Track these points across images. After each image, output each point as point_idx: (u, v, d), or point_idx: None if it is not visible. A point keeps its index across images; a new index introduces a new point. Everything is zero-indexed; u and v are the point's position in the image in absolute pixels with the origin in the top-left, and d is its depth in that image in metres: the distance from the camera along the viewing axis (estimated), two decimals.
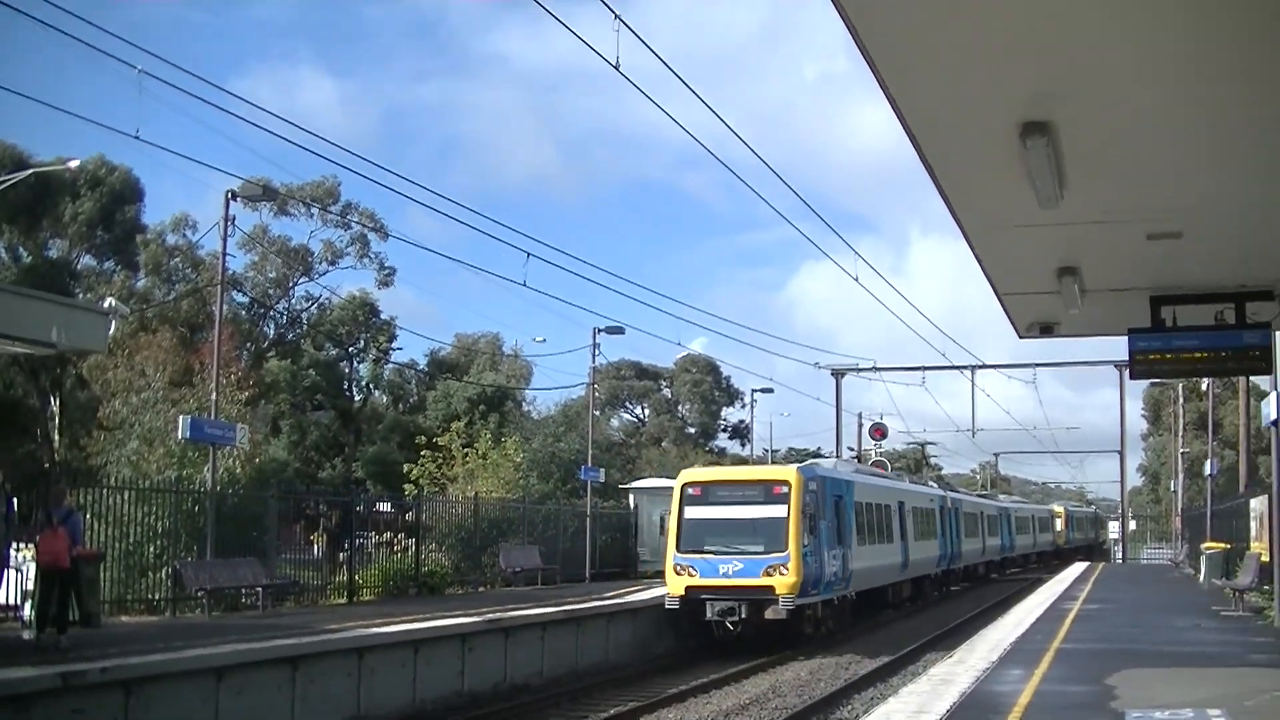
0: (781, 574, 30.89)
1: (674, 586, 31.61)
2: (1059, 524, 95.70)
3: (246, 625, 22.74)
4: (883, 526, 41.92)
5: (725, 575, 31.30)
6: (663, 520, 42.05)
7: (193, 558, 27.49)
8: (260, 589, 27.68)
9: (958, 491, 67.02)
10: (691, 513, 32.88)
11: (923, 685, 16.66)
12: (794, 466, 36.92)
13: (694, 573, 31.51)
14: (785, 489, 32.24)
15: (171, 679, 16.93)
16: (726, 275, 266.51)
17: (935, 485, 60.04)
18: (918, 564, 46.18)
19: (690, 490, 33.46)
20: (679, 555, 31.94)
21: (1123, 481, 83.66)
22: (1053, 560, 79.18)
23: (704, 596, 31.15)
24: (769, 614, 30.73)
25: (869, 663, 29.16)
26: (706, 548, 31.91)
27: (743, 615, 30.86)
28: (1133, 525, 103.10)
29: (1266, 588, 26.92)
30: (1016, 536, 75.35)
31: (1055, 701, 14.64)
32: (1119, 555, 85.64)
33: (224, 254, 34.99)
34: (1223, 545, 39.64)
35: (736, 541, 32.18)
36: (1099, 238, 12.83)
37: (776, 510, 31.94)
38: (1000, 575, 69.02)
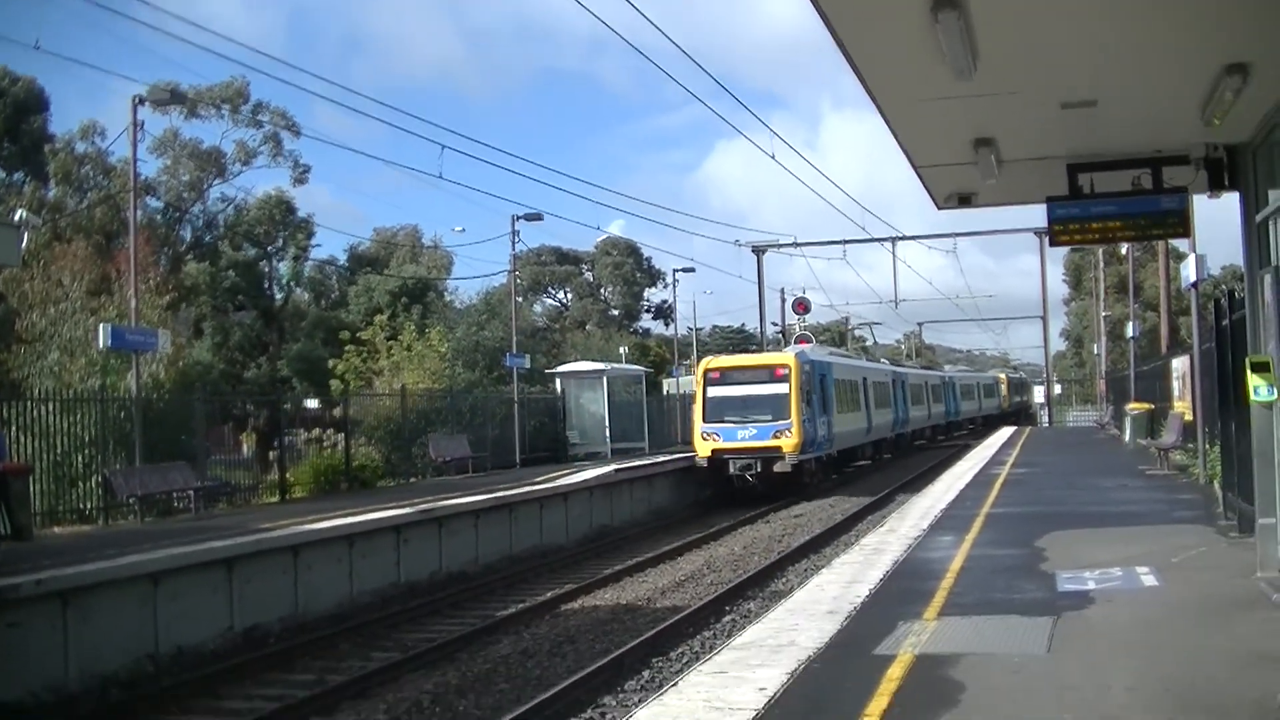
0: (786, 437, 39.88)
1: (702, 450, 40.87)
2: (1004, 389, 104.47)
3: (180, 529, 22.69)
4: (853, 399, 51.25)
5: (742, 439, 40.13)
6: (585, 405, 48.90)
7: (122, 465, 27.34)
8: (192, 492, 27.61)
9: (905, 366, 77.40)
10: (713, 392, 41.64)
11: (855, 555, 16.91)
12: (792, 352, 45.40)
13: (718, 439, 40.49)
14: (786, 370, 41.09)
15: (108, 587, 16.89)
16: (641, 160, 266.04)
17: (886, 362, 70.73)
18: (878, 428, 55.66)
19: (711, 374, 42.45)
20: (705, 425, 41.00)
21: (1046, 347, 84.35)
22: (999, 424, 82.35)
23: (726, 456, 40.17)
24: (777, 468, 39.53)
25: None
26: (726, 418, 40.70)
27: (758, 470, 39.67)
28: (1058, 389, 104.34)
29: (1190, 446, 27.33)
30: (962, 403, 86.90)
31: (986, 566, 14.90)
32: (1045, 419, 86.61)
33: (135, 160, 34.61)
34: (1146, 406, 40.19)
35: (750, 413, 40.65)
36: (1014, 108, 12.85)
37: (780, 388, 40.69)
38: (947, 438, 76.83)
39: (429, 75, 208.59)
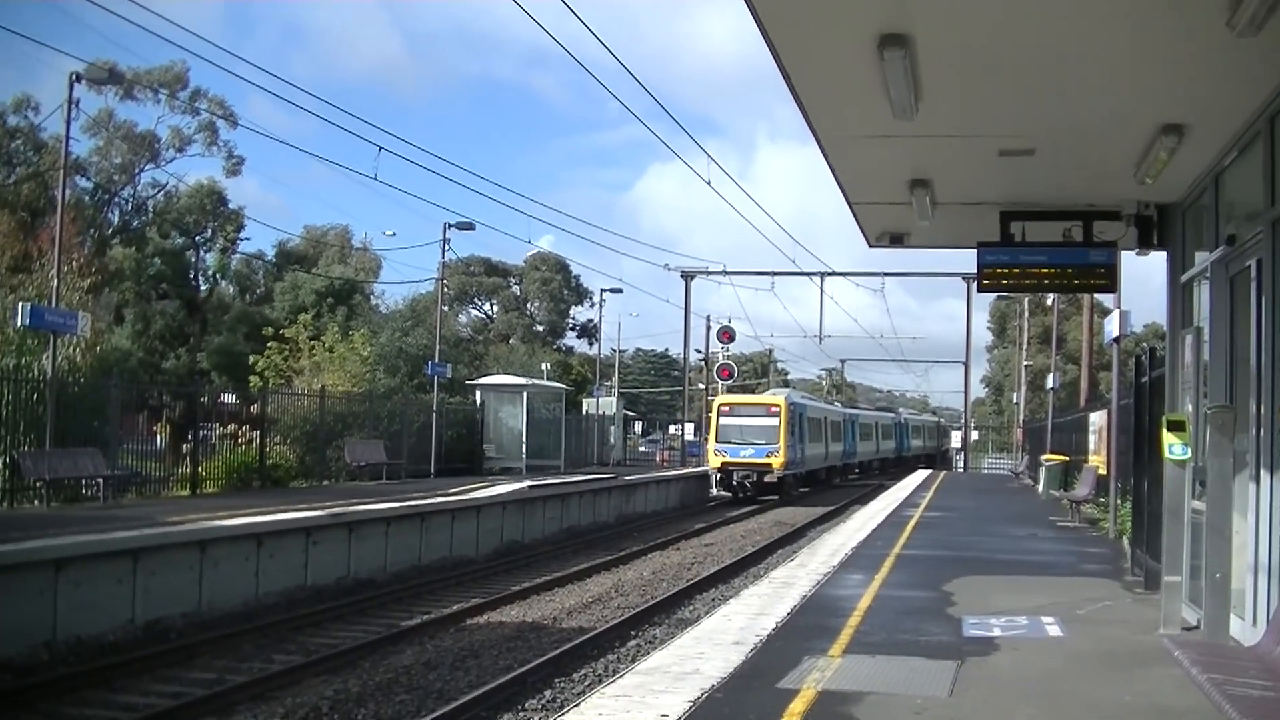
0: (775, 456, 54.17)
1: (714, 462, 56.11)
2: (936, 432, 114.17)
3: (87, 516, 22.46)
4: (817, 433, 64.80)
5: (743, 457, 54.32)
6: (503, 419, 50.84)
7: (31, 448, 27.03)
8: (101, 480, 27.34)
9: (858, 408, 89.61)
10: (724, 421, 56.16)
11: (764, 588, 16.90)
12: (782, 396, 60.33)
13: (726, 455, 54.79)
14: (778, 409, 55.77)
15: (6, 571, 16.65)
16: (574, 176, 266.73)
17: (840, 405, 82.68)
18: (832, 456, 70.03)
19: (723, 408, 57.67)
20: (717, 445, 55.67)
21: (966, 392, 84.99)
22: (916, 465, 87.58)
23: (731, 468, 54.71)
24: (767, 479, 54.21)
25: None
26: (732, 441, 54.77)
27: (753, 479, 54.17)
28: (975, 435, 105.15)
29: (1102, 500, 27.56)
30: (911, 440, 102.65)
31: (894, 606, 14.93)
32: (961, 464, 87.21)
33: (67, 137, 34.24)
34: (1062, 457, 40.45)
35: (749, 438, 54.65)
36: (952, 152, 12.96)
37: (773, 421, 55.12)
38: (896, 470, 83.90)
39: (365, 74, 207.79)
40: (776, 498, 53.89)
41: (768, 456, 54.02)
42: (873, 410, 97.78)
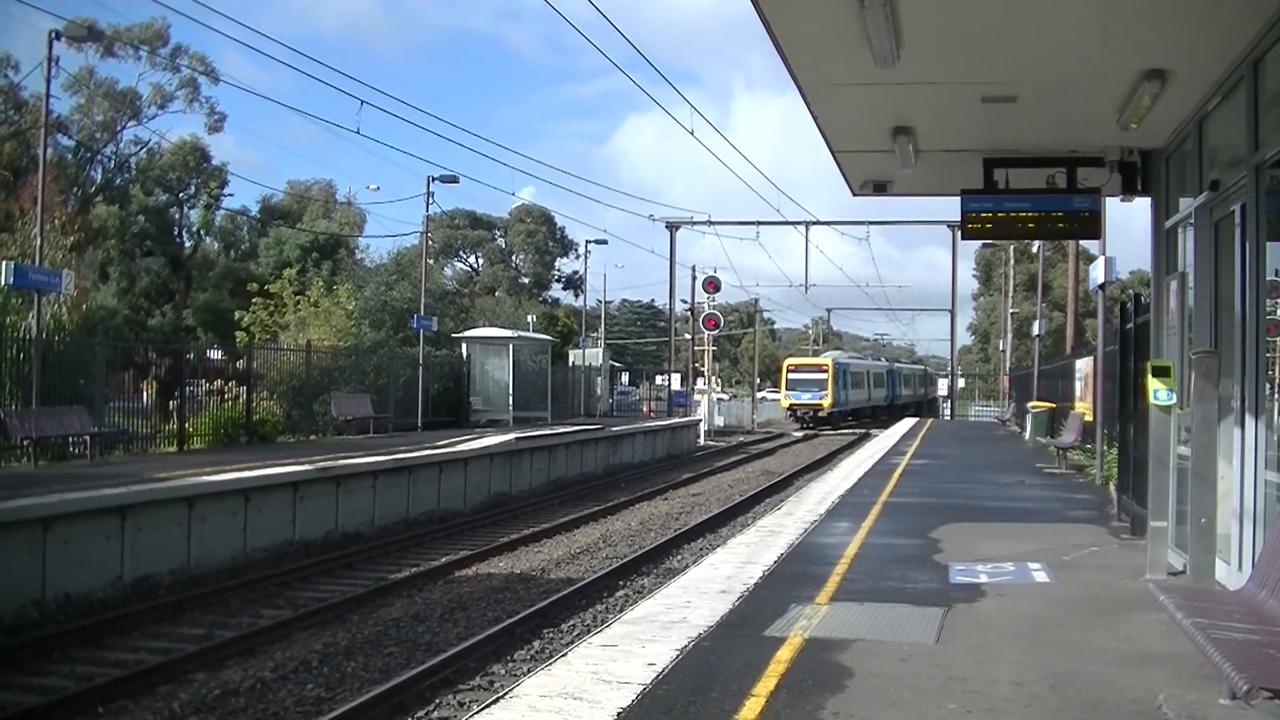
0: (824, 399, 79.83)
1: (784, 403, 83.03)
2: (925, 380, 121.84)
3: (74, 474, 22.44)
4: (857, 382, 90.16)
5: (804, 399, 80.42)
6: (490, 372, 51.07)
7: (17, 406, 26.99)
8: (88, 437, 27.33)
9: (901, 362, 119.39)
10: (791, 375, 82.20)
11: (751, 537, 16.93)
12: (830, 357, 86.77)
13: (793, 398, 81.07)
14: (826, 367, 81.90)
15: None
16: (552, 128, 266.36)
17: (886, 360, 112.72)
18: (875, 400, 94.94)
19: (790, 367, 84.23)
20: (787, 391, 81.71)
21: (953, 340, 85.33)
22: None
23: (796, 407, 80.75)
24: (820, 414, 79.27)
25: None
26: (796, 389, 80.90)
27: (811, 414, 79.48)
28: (961, 383, 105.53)
29: (1088, 446, 27.63)
30: (917, 388, 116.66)
31: (881, 554, 14.97)
32: (948, 412, 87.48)
33: (47, 95, 34.18)
34: (1048, 404, 40.63)
35: (808, 386, 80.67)
36: (935, 99, 12.91)
37: (822, 375, 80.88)
38: (928, 409, 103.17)
39: (335, 29, 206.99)
40: (829, 424, 78.98)
41: (820, 399, 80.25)
42: (905, 364, 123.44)
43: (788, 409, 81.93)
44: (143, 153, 76.57)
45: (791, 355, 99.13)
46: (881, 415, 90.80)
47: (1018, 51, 11.13)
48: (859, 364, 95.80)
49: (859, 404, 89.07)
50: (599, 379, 66.40)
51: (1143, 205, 16.17)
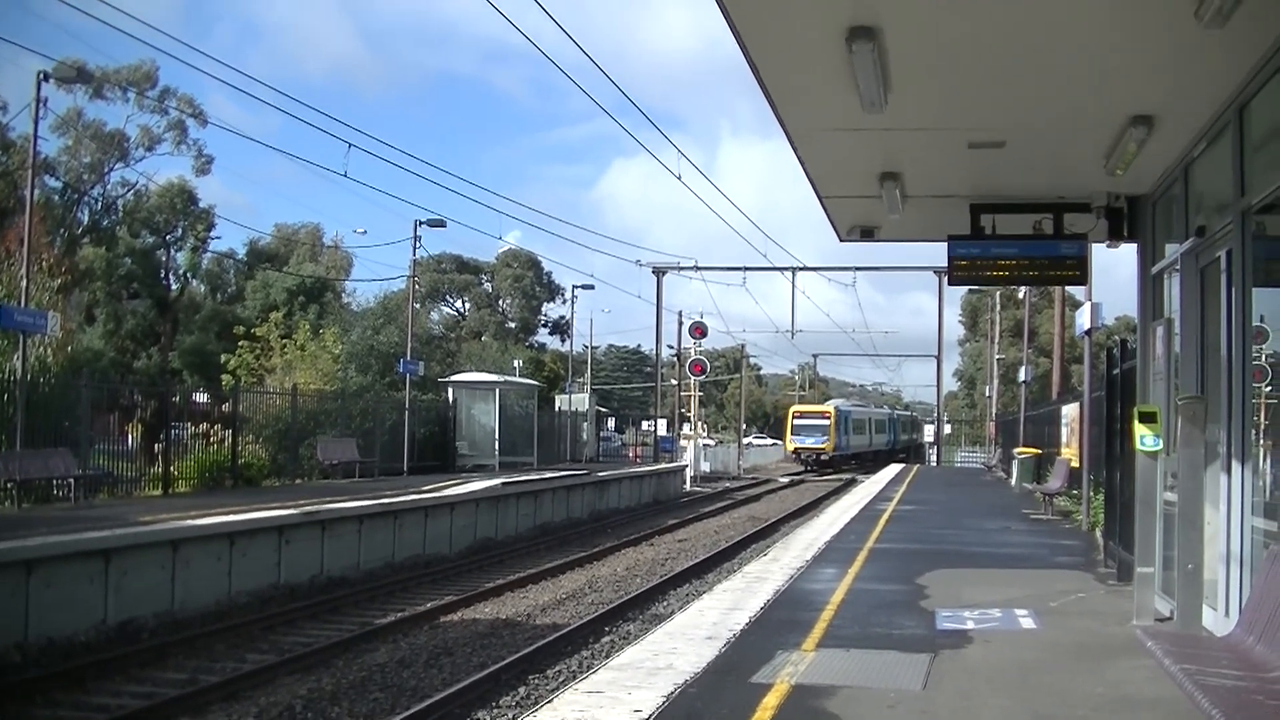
0: (827, 443, 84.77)
1: (789, 447, 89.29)
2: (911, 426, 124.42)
3: (58, 517, 22.37)
4: (858, 428, 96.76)
5: (808, 444, 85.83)
6: (476, 416, 50.63)
7: (2, 448, 26.93)
8: (73, 480, 27.24)
9: (896, 409, 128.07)
10: (796, 421, 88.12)
11: (738, 582, 16.92)
12: (832, 405, 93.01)
13: (797, 443, 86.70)
14: (828, 414, 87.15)
15: None
16: (539, 171, 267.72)
17: (896, 409, 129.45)
18: (874, 445, 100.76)
19: (795, 413, 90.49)
20: (792, 436, 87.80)
21: (939, 385, 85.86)
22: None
23: (800, 450, 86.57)
24: (822, 457, 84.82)
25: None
26: (801, 433, 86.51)
27: (814, 457, 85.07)
28: (948, 429, 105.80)
29: (1075, 492, 27.66)
30: (918, 433, 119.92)
31: (867, 600, 14.96)
32: (934, 458, 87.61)
33: (35, 137, 34.19)
34: (1034, 450, 40.66)
35: (811, 432, 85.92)
36: (922, 145, 12.95)
37: (825, 421, 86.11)
38: (914, 454, 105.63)
39: (326, 72, 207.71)
40: (831, 468, 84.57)
41: (823, 443, 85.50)
42: (895, 410, 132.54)
43: (793, 452, 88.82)
44: (130, 194, 76.66)
45: (796, 404, 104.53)
46: (882, 458, 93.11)
47: (1005, 97, 11.17)
48: (860, 411, 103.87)
49: (860, 448, 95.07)
50: (585, 424, 66.36)
51: (1129, 251, 16.21)
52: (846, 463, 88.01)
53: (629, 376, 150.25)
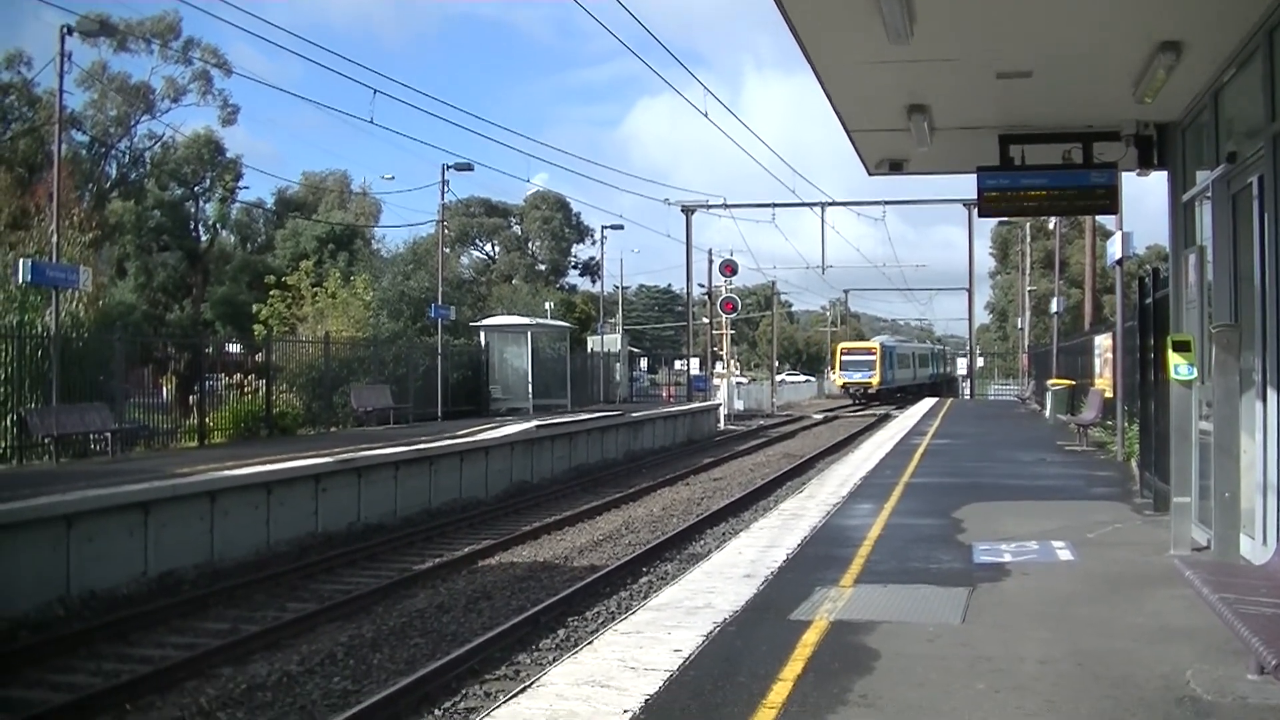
0: (873, 377, 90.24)
1: (838, 382, 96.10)
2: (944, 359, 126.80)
3: (96, 471, 22.47)
4: (902, 363, 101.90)
5: (855, 378, 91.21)
6: (508, 360, 51.14)
7: (38, 404, 27.06)
8: (109, 434, 27.39)
9: (940, 344, 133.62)
10: (844, 357, 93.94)
11: (774, 520, 16.94)
12: (878, 341, 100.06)
13: (846, 377, 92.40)
14: (874, 350, 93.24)
15: (19, 528, 16.68)
16: (563, 113, 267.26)
17: (935, 343, 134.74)
18: (918, 379, 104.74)
19: (843, 349, 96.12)
20: (841, 371, 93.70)
21: (971, 319, 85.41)
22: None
23: (848, 384, 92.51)
24: (869, 391, 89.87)
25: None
26: (850, 369, 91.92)
27: (862, 390, 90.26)
28: (980, 362, 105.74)
29: (1109, 423, 27.56)
30: (942, 367, 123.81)
31: (904, 535, 14.96)
32: (967, 391, 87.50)
33: (60, 91, 34.16)
34: (1068, 381, 40.49)
35: (859, 367, 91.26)
36: (949, 76, 12.87)
37: (871, 357, 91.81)
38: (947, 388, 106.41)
39: (346, 18, 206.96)
40: (878, 401, 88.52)
41: (869, 377, 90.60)
42: (932, 345, 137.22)
43: (841, 386, 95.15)
44: (157, 147, 76.78)
45: (842, 340, 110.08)
46: (925, 391, 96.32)
47: (1031, 26, 11.09)
48: (904, 346, 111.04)
49: (904, 382, 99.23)
50: (618, 365, 66.39)
51: (1159, 180, 16.12)
52: (892, 396, 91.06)
53: (660, 316, 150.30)
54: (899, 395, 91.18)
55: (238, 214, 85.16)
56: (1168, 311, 15.24)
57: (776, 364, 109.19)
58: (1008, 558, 13.03)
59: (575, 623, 16.11)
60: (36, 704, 12.68)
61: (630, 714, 7.65)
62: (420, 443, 28.90)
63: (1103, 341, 32.56)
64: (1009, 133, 15.15)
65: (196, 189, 79.12)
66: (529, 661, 14.07)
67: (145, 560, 18.86)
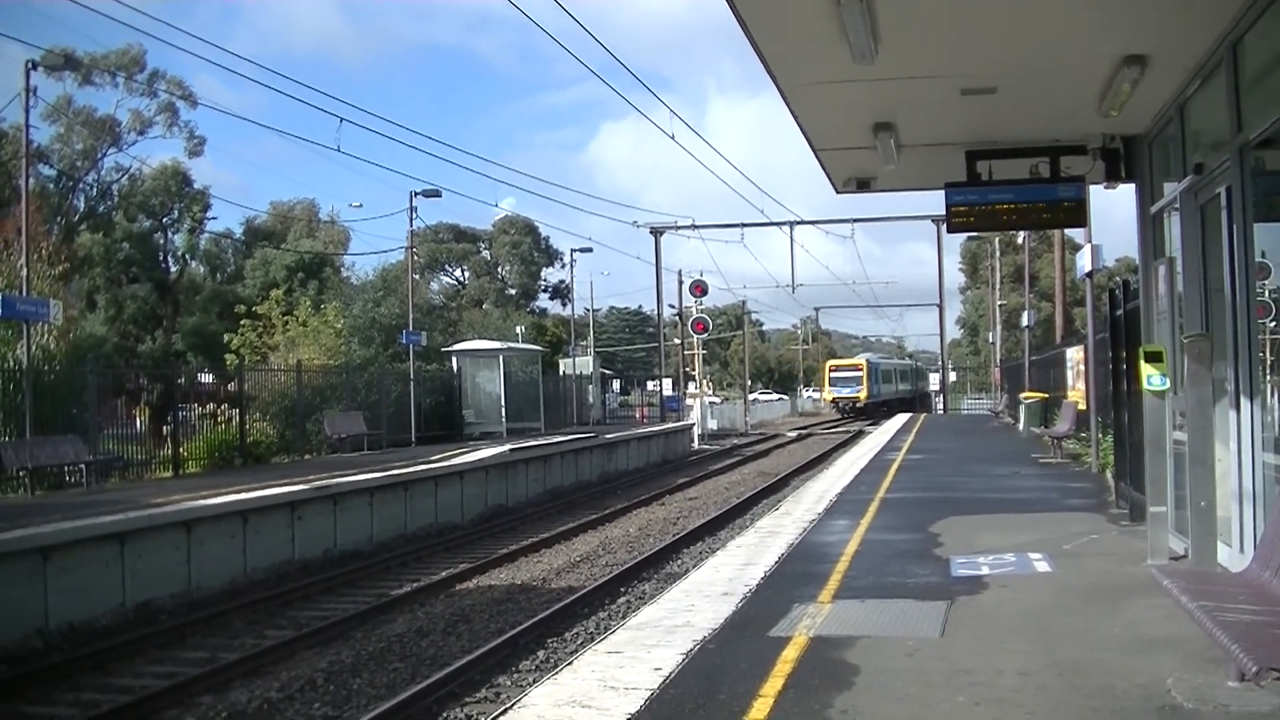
0: (860, 393, 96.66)
1: (827, 397, 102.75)
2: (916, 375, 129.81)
3: (71, 503, 22.44)
4: (886, 379, 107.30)
5: (844, 393, 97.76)
6: (481, 384, 51.17)
7: (11, 437, 27.00)
8: (84, 466, 27.34)
9: (918, 362, 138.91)
10: (833, 374, 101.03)
11: (751, 538, 16.94)
12: (864, 358, 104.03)
13: (835, 393, 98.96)
14: (861, 367, 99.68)
15: None
16: (528, 138, 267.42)
17: (909, 359, 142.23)
18: (900, 393, 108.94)
19: (831, 367, 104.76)
20: (830, 387, 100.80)
21: (942, 334, 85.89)
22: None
23: (837, 399, 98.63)
24: (857, 405, 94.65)
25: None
26: (839, 384, 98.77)
27: (850, 405, 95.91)
28: (953, 376, 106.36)
29: (1083, 435, 27.62)
30: (923, 382, 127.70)
31: (881, 550, 14.98)
32: (939, 406, 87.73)
33: (26, 126, 34.24)
34: (1040, 395, 40.61)
35: (847, 383, 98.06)
36: (914, 93, 12.92)
37: (858, 373, 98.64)
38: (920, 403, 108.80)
39: (309, 47, 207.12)
40: (865, 415, 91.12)
41: (857, 392, 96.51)
42: (909, 361, 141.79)
43: (830, 401, 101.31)
44: (124, 179, 76.65)
45: (831, 358, 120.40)
46: (907, 404, 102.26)
47: (995, 42, 11.16)
48: (887, 363, 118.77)
49: (888, 396, 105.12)
50: (590, 387, 66.42)
51: (1127, 192, 16.22)
52: (878, 409, 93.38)
53: (631, 338, 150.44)
54: (884, 409, 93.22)
55: (206, 244, 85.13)
56: (1139, 323, 15.30)
57: (749, 383, 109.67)
58: (985, 570, 13.06)
59: (555, 644, 16.10)
60: None
61: None
62: (395, 468, 28.89)
63: (1075, 354, 32.68)
64: (976, 148, 15.23)
65: (165, 220, 79.02)
66: (509, 683, 14.05)
67: (123, 591, 18.81)
